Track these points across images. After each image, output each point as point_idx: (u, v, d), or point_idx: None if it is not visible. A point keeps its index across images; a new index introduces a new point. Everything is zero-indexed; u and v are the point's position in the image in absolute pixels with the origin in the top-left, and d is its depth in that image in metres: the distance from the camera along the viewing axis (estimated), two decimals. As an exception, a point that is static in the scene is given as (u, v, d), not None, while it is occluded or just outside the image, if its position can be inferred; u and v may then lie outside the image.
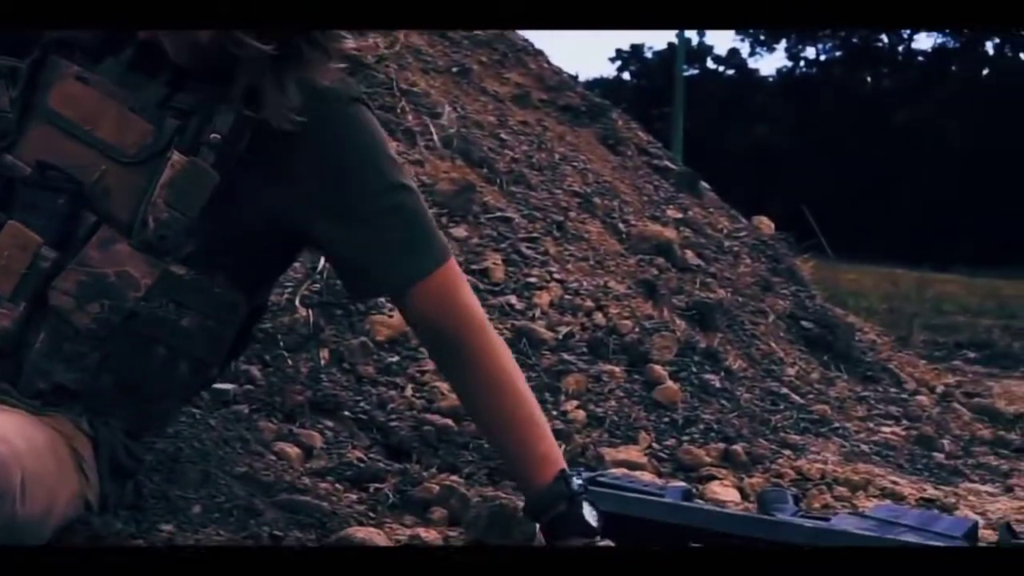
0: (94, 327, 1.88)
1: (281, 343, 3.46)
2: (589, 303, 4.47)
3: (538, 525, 2.11)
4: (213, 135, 1.88)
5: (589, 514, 2.00)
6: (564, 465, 2.08)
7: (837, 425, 4.62)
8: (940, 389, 5.79)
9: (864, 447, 4.47)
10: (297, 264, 3.54)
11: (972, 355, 9.22)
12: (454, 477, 3.15)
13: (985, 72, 42.80)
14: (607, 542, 1.96)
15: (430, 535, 2.77)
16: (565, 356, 4.05)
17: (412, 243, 2.06)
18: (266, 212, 1.98)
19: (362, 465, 3.06)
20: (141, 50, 1.94)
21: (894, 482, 3.96)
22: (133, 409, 1.99)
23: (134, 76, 1.93)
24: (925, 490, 3.96)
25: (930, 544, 2.51)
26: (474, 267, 4.23)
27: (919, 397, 5.41)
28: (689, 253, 5.50)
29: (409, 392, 3.49)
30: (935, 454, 4.60)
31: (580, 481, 2.05)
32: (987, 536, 3.19)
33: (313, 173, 1.98)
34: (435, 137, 4.90)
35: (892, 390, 5.45)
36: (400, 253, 2.05)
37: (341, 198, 2.01)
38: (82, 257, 1.88)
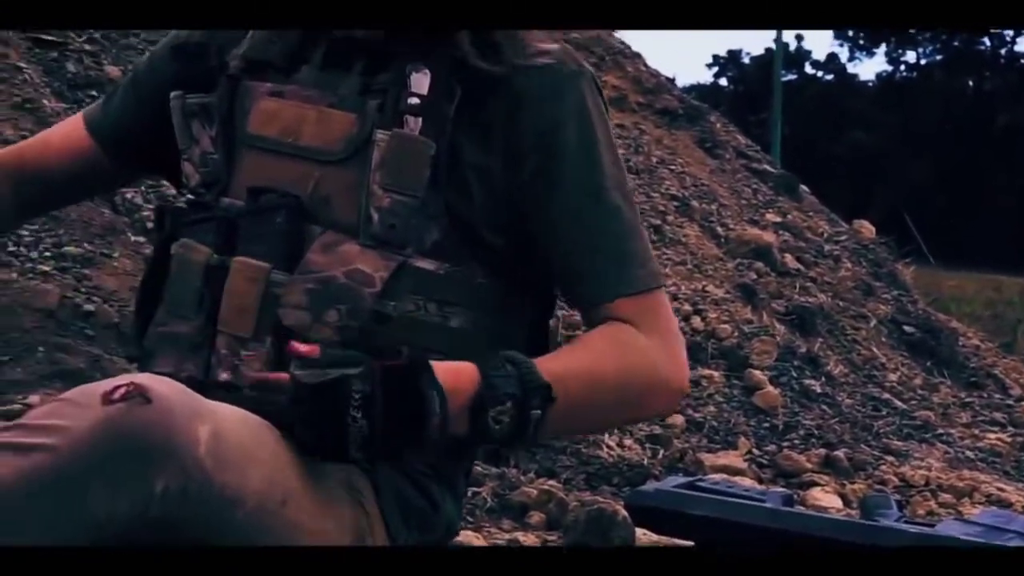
0: (339, 339, 1.59)
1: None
2: (687, 307, 4.44)
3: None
4: (411, 98, 1.65)
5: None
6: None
7: (941, 431, 4.55)
8: (1046, 396, 5.69)
9: (969, 453, 4.40)
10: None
11: (1078, 361, 9.05)
12: (552, 482, 3.15)
13: (1090, 74, 42.09)
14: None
15: (528, 539, 2.77)
16: (663, 360, 4.03)
17: (627, 255, 1.70)
18: (497, 188, 1.68)
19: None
20: (333, 46, 1.74)
21: (1000, 489, 3.89)
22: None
23: (329, 75, 1.72)
24: (1033, 497, 3.89)
25: None
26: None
27: (1025, 403, 5.32)
28: (788, 257, 5.45)
29: (506, 396, 3.48)
30: (1042, 461, 4.52)
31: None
32: (1098, 545, 3.12)
33: (536, 151, 1.68)
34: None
35: (997, 396, 5.35)
36: (612, 263, 1.69)
37: (567, 187, 1.69)
38: (304, 265, 1.63)
